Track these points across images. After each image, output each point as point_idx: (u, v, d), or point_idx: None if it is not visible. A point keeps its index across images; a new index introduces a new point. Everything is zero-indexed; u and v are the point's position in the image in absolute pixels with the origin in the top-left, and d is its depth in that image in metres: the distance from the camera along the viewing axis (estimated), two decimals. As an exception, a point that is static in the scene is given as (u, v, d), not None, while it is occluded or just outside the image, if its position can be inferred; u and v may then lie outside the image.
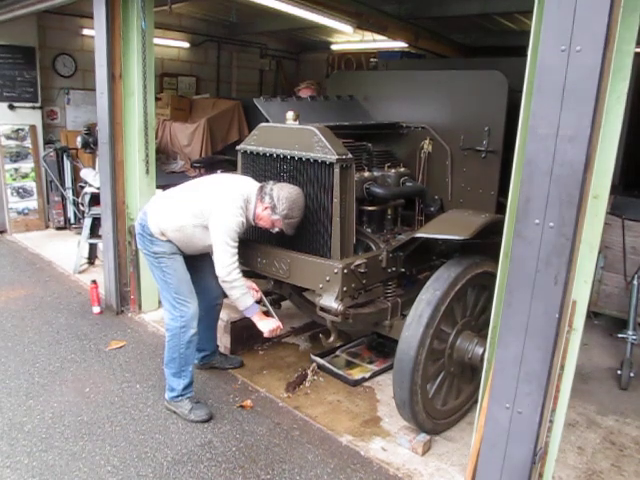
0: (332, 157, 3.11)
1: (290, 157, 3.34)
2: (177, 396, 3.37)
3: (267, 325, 3.30)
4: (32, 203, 7.43)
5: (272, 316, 3.40)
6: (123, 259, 4.76)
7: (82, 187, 6.20)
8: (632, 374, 3.89)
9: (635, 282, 4.09)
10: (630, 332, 4.00)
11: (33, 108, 7.31)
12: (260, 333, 3.30)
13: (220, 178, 3.47)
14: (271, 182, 3.26)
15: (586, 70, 1.79)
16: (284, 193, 3.15)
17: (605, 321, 4.81)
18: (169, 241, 3.28)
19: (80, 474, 2.84)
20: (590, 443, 3.29)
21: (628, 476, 3.01)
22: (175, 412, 3.38)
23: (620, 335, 4.07)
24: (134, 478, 2.83)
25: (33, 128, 7.33)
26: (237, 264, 3.16)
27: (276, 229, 3.28)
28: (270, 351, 4.29)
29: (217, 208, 3.15)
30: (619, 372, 3.93)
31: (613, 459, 3.15)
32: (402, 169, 3.93)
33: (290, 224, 3.21)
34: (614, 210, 4.38)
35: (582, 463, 3.10)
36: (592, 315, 4.70)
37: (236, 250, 3.16)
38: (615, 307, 4.61)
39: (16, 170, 7.27)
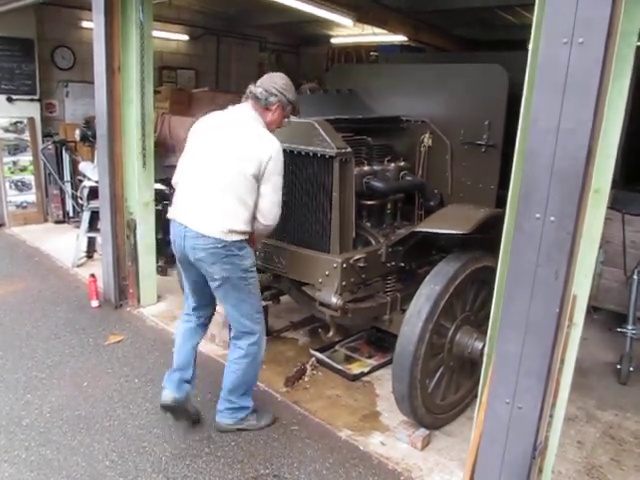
0: (331, 151, 3.09)
1: (289, 151, 3.32)
2: (249, 413, 3.14)
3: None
4: (30, 196, 7.40)
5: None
6: (122, 253, 4.74)
7: (81, 180, 6.18)
8: (631, 368, 3.89)
9: (635, 277, 4.08)
10: (630, 326, 3.99)
11: (31, 101, 7.26)
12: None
13: (228, 130, 2.90)
14: (247, 89, 2.99)
15: (588, 62, 1.78)
16: (276, 81, 2.88)
17: (605, 315, 4.80)
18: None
19: (78, 469, 2.84)
20: (590, 437, 3.29)
21: (627, 470, 3.01)
22: (245, 429, 3.14)
23: (620, 329, 4.06)
24: (132, 472, 2.82)
25: (31, 121, 7.29)
26: None
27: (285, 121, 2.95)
28: (269, 345, 4.23)
29: (273, 167, 2.74)
30: (618, 366, 3.93)
31: (612, 453, 3.15)
32: (402, 163, 3.91)
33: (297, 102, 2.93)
34: (614, 205, 4.36)
35: (582, 457, 3.10)
36: (592, 309, 4.69)
37: None
38: (615, 301, 4.60)
39: (14, 163, 7.23)
